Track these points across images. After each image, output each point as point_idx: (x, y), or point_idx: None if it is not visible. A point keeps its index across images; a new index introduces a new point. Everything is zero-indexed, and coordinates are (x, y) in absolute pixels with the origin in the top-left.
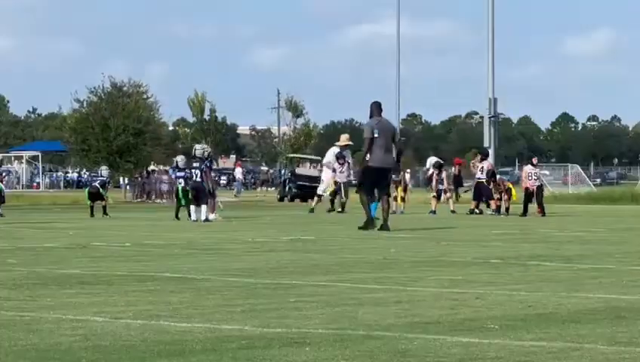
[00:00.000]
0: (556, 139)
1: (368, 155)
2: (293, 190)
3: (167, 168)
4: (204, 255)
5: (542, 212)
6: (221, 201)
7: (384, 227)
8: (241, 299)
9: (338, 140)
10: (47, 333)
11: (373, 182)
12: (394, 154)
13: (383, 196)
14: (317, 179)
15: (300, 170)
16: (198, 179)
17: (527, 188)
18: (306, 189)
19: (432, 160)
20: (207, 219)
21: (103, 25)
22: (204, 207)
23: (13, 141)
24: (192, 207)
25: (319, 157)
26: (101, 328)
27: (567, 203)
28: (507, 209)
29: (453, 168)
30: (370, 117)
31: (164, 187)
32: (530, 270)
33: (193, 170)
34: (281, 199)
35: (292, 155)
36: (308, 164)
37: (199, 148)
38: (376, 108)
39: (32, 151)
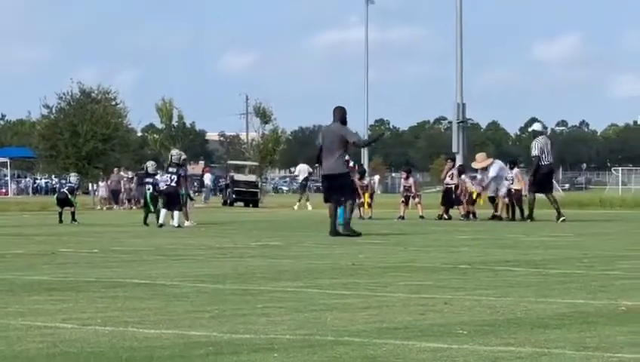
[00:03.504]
0: (525, 144)
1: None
2: (232, 195)
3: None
4: (173, 261)
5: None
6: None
7: (346, 231)
8: (210, 305)
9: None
10: (15, 340)
11: (326, 190)
12: (340, 159)
13: (341, 201)
14: (254, 184)
15: (238, 176)
16: (173, 185)
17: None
18: (243, 194)
19: (302, 167)
20: (179, 226)
21: (72, 31)
22: (176, 213)
23: None
24: (163, 212)
25: (256, 163)
26: (69, 335)
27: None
28: (474, 214)
29: None
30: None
31: (102, 192)
32: (499, 275)
33: (169, 176)
34: (224, 203)
35: (231, 162)
36: (247, 170)
37: (175, 154)
38: (335, 113)
39: (0, 157)
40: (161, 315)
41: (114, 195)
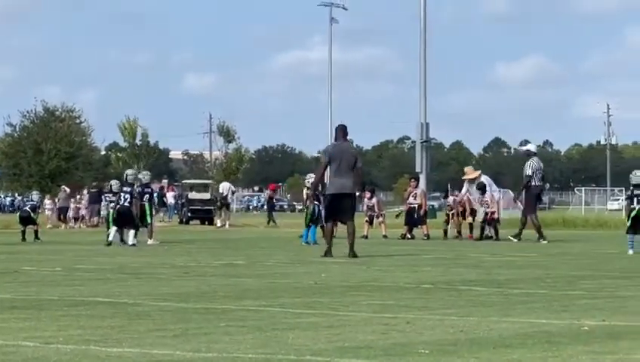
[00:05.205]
0: (489, 164)
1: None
2: (188, 214)
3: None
4: (136, 279)
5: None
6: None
7: (350, 254)
8: (172, 324)
9: None
10: None
11: (333, 209)
12: (351, 179)
13: (346, 221)
14: (209, 202)
15: (192, 195)
16: (126, 204)
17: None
18: (199, 213)
19: (225, 185)
20: (133, 244)
21: (35, 50)
22: (131, 232)
23: None
24: (113, 230)
25: (210, 181)
26: (31, 353)
27: (502, 228)
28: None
29: (265, 192)
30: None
31: (48, 212)
32: (462, 295)
33: (122, 195)
34: (180, 222)
35: (186, 181)
36: (209, 188)
37: (131, 174)
38: (339, 131)
39: None
40: (124, 334)
41: (62, 213)
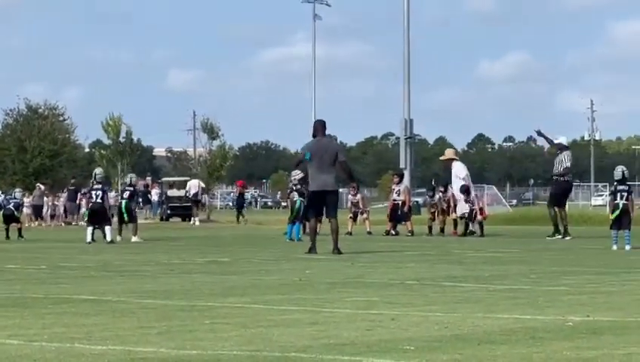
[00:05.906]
0: (472, 160)
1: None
2: (167, 211)
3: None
4: (120, 277)
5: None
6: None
7: (334, 250)
8: (157, 321)
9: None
10: None
11: (314, 206)
12: (332, 175)
13: (329, 218)
14: (187, 199)
15: (171, 192)
16: (99, 201)
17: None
18: (177, 209)
19: (193, 182)
20: (111, 241)
21: (18, 48)
22: (107, 229)
23: None
24: (89, 229)
25: (187, 178)
26: (15, 351)
27: (487, 224)
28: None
29: (235, 190)
30: (314, 137)
31: (26, 210)
32: (446, 291)
33: (93, 192)
34: (161, 219)
35: (165, 179)
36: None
37: (99, 173)
38: (318, 127)
39: None
40: (108, 331)
41: (36, 211)
